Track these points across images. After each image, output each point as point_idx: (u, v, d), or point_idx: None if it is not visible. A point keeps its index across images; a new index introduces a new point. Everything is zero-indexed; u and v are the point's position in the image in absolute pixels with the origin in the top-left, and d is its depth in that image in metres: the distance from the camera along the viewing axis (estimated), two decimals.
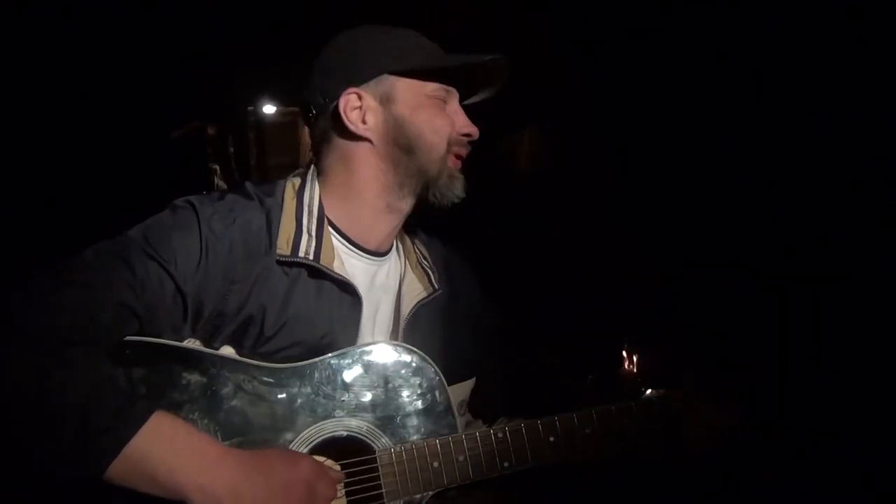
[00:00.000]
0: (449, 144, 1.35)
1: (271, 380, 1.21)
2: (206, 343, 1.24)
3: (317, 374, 1.24)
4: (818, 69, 2.01)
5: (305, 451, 1.21)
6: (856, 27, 1.90)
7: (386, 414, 1.26)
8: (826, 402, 1.37)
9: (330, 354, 1.26)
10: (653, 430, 1.36)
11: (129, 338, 1.15)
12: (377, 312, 1.39)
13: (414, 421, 1.28)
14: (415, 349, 1.30)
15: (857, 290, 1.82)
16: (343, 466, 1.23)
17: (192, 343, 1.23)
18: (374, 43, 1.36)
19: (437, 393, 1.30)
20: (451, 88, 1.38)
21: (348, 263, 1.35)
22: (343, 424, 1.24)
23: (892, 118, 1.85)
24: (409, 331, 1.39)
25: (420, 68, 1.33)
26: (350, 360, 1.26)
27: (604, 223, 2.61)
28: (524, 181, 2.98)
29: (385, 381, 1.27)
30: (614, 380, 2.19)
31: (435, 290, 1.44)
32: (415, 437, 1.27)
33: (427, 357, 1.30)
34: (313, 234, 1.31)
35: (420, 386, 1.29)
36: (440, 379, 1.30)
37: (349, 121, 1.33)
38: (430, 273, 1.46)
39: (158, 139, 2.93)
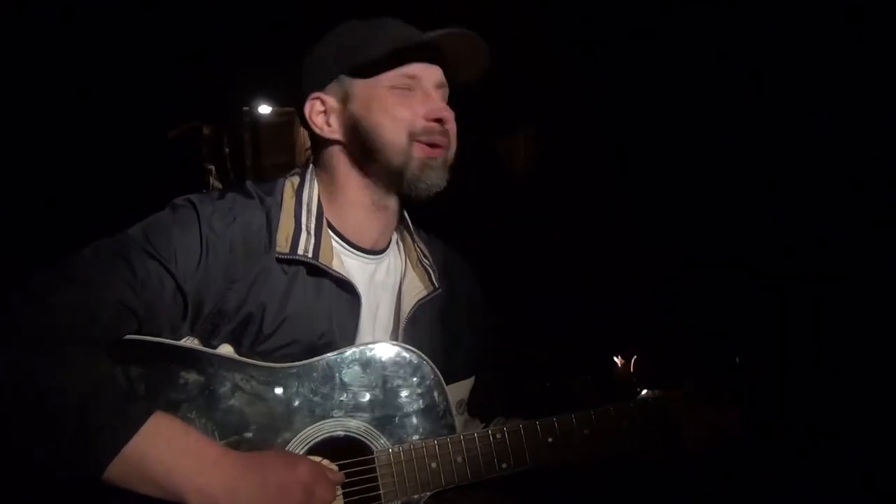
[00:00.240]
0: (411, 134, 1.31)
1: (269, 379, 1.21)
2: (205, 341, 1.23)
3: (315, 374, 1.23)
4: (818, 69, 2.01)
5: (303, 451, 1.20)
6: (856, 27, 1.90)
7: (384, 414, 1.26)
8: (826, 402, 1.37)
9: (328, 354, 1.25)
10: (651, 431, 1.35)
11: (128, 337, 1.14)
12: (377, 311, 1.39)
13: (412, 421, 1.27)
14: (413, 349, 1.30)
15: (857, 290, 1.82)
16: (341, 467, 1.23)
17: (191, 342, 1.22)
18: (335, 43, 1.36)
19: (435, 393, 1.29)
20: (415, 74, 1.33)
21: (346, 262, 1.35)
22: (341, 424, 1.23)
23: (892, 118, 1.85)
24: (410, 329, 1.39)
25: (368, 61, 1.31)
26: (348, 360, 1.26)
27: (603, 223, 2.61)
28: (524, 181, 2.98)
29: (383, 380, 1.27)
30: (613, 380, 2.19)
31: (435, 289, 1.44)
32: (413, 438, 1.26)
33: (426, 357, 1.30)
34: (312, 232, 1.30)
35: (419, 386, 1.28)
36: (439, 379, 1.30)
37: (315, 125, 1.36)
38: (431, 272, 1.46)
39: (154, 139, 2.92)
